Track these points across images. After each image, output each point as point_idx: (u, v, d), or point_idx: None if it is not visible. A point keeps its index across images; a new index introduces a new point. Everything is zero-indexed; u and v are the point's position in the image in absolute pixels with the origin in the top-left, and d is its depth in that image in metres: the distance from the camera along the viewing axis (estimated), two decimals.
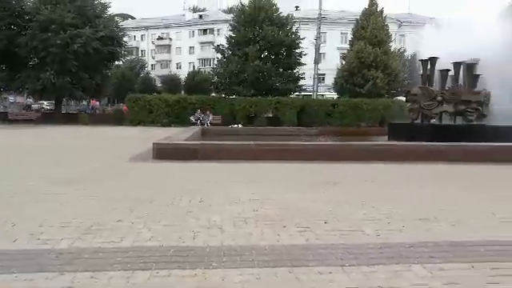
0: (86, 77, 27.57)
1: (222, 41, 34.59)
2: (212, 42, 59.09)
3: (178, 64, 66.33)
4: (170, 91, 37.62)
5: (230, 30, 29.50)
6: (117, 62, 35.53)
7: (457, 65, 13.54)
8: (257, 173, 7.01)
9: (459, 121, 13.56)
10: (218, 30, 61.84)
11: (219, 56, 30.39)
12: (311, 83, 34.67)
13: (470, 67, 13.52)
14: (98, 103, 46.08)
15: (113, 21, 29.78)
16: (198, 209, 4.40)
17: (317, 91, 33.94)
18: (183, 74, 51.23)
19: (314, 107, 25.49)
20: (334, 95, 34.60)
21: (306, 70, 31.02)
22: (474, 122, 13.18)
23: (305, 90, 32.91)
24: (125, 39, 31.78)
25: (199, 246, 3.19)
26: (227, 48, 29.53)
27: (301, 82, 29.77)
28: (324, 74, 49.08)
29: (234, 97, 27.67)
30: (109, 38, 27.92)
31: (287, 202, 4.75)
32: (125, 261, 2.85)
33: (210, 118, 24.40)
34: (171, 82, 45.16)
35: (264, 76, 27.41)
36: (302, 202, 4.80)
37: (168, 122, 24.64)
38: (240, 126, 22.46)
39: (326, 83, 46.80)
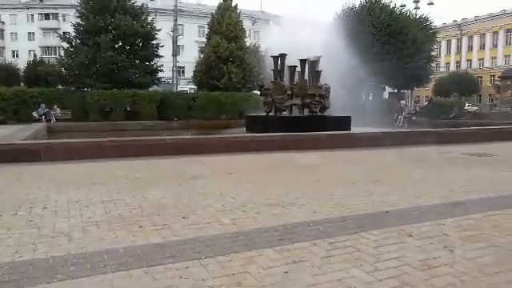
0: None
1: (68, 28, 31.24)
2: (57, 29, 53.08)
3: (14, 52, 57.65)
4: (5, 83, 32.44)
5: (78, 17, 26.84)
6: None
7: (302, 61, 14.98)
8: (111, 172, 6.59)
9: (306, 112, 15.05)
10: (64, 15, 55.84)
11: (66, 45, 27.41)
12: (171, 76, 34.11)
13: (313, 64, 15.10)
14: None
15: None
16: (40, 217, 3.90)
17: (177, 84, 33.56)
18: (22, 63, 44.68)
19: (175, 100, 25.17)
20: (194, 88, 34.78)
21: (165, 63, 30.32)
22: (318, 113, 14.83)
23: (164, 83, 32.19)
24: None
25: (40, 259, 2.84)
26: (75, 36, 26.85)
27: (160, 75, 28.95)
28: (183, 67, 48.83)
29: (85, 90, 25.41)
30: None
31: (144, 201, 4.58)
32: None
33: (57, 114, 21.94)
34: (6, 73, 38.91)
35: (119, 68, 25.82)
36: (160, 199, 4.68)
37: (3, 118, 21.29)
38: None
39: (186, 76, 46.66)
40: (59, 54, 34.35)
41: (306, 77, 15.15)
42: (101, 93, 23.85)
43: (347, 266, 2.73)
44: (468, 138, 11.71)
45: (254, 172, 6.74)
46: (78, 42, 26.87)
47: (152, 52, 27.87)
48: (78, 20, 27.00)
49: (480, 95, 61.68)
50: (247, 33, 34.09)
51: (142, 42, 27.42)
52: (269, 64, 15.93)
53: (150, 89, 28.28)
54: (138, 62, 27.37)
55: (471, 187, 5.42)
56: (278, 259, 2.84)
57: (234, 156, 8.45)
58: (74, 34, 27.35)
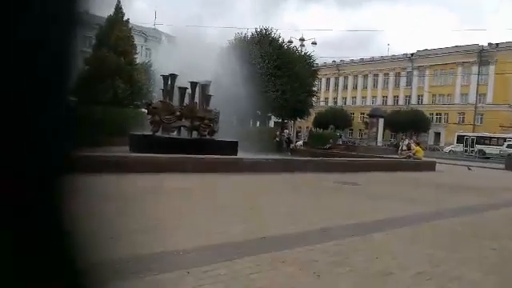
0: None
1: None
2: None
3: None
4: None
5: None
6: None
7: (193, 84, 14.96)
8: None
9: (195, 135, 14.95)
10: None
11: None
12: None
13: (204, 88, 15.20)
14: None
15: None
16: None
17: None
18: None
19: None
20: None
21: None
22: (207, 137, 14.86)
23: None
24: None
25: None
26: None
27: None
28: None
29: None
30: None
31: None
32: None
33: None
34: None
35: None
36: None
37: None
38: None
39: None
40: None
41: (196, 99, 15.15)
42: None
43: None
44: (340, 168, 12.86)
45: (122, 195, 6.33)
46: None
47: None
48: None
49: (352, 129, 69.33)
50: (138, 49, 33.05)
51: None
52: (159, 83, 15.56)
53: None
54: None
55: (339, 213, 5.88)
56: None
57: (111, 176, 7.85)
58: None
